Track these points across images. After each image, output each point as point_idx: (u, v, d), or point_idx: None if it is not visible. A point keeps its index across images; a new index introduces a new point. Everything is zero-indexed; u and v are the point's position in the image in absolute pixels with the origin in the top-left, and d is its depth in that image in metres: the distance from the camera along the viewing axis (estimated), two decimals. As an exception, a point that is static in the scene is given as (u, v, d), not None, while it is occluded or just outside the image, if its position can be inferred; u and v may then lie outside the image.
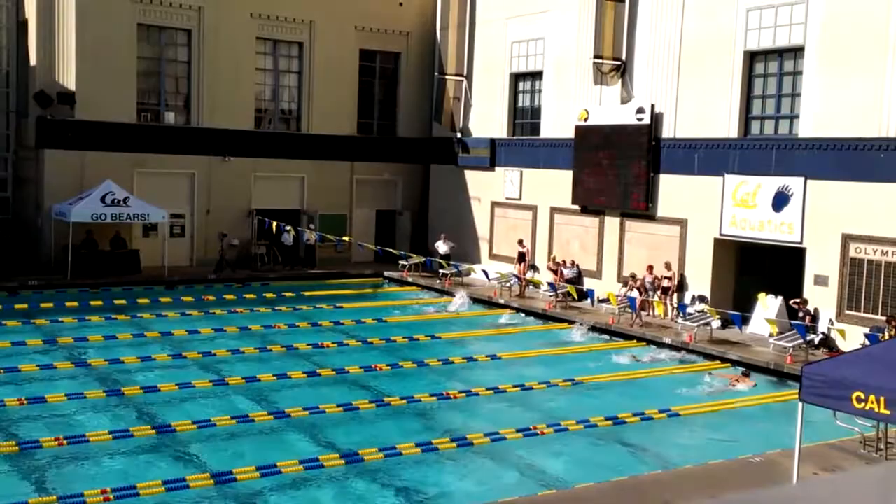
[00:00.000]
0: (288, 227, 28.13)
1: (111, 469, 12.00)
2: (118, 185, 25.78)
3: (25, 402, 14.34)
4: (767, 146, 21.00)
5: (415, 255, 27.74)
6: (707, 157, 22.32)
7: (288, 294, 25.09)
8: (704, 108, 22.39)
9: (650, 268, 23.00)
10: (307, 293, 25.38)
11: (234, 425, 13.71)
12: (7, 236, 27.12)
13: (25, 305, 22.03)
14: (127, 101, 27.17)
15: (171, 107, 28.59)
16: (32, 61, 26.53)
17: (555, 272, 24.94)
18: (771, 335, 19.33)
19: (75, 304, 22.40)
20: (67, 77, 26.31)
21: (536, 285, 25.38)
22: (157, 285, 25.61)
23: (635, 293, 22.52)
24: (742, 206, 21.32)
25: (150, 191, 27.06)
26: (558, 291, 24.05)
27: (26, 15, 26.91)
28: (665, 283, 22.68)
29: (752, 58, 21.69)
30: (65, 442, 12.54)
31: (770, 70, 21.49)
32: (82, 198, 25.41)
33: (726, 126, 21.93)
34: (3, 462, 12.00)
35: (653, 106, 23.49)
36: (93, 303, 22.67)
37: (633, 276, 23.14)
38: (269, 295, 24.94)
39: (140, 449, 12.75)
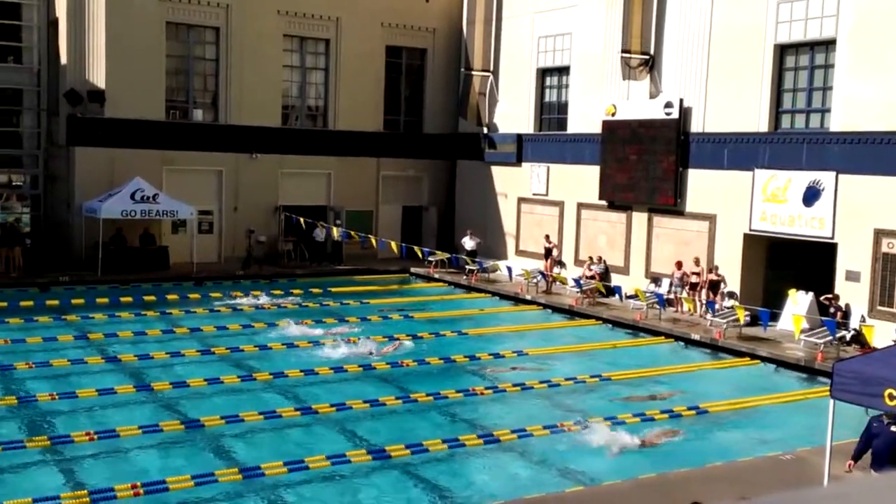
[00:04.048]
0: (320, 224, 28.35)
1: (141, 463, 12.11)
2: (147, 182, 26.01)
3: (57, 397, 14.52)
4: (798, 140, 20.73)
5: (438, 252, 27.70)
6: (736, 151, 22.08)
7: (315, 290, 25.18)
8: (734, 102, 22.14)
9: (679, 264, 22.81)
10: (334, 289, 25.45)
11: (262, 421, 13.78)
12: (39, 233, 27.46)
13: (57, 301, 22.30)
14: (156, 98, 27.41)
15: (199, 104, 28.78)
16: (63, 60, 26.82)
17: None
18: (803, 331, 19.07)
19: (106, 300, 22.62)
20: (97, 75, 26.58)
21: (563, 283, 25.25)
22: (186, 281, 25.81)
23: (662, 287, 22.30)
24: (772, 201, 21.07)
25: (178, 188, 27.28)
26: (584, 287, 23.93)
27: (57, 14, 27.21)
28: (693, 279, 22.48)
29: (782, 51, 21.41)
30: (95, 437, 12.66)
31: (801, 63, 21.20)
32: (112, 195, 25.67)
33: (756, 120, 21.68)
34: (34, 456, 12.16)
35: (681, 100, 23.28)
36: (123, 299, 22.89)
37: (697, 261, 22.57)
38: (296, 291, 25.05)
39: (169, 443, 12.86)
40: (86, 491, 10.78)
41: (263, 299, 23.61)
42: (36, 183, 28.09)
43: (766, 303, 21.00)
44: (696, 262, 22.52)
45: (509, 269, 26.08)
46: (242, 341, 19.06)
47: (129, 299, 22.90)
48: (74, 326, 20.14)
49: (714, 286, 21.83)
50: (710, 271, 22.31)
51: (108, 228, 25.67)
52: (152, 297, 23.29)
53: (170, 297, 23.53)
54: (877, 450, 9.86)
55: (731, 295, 21.82)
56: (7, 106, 27.90)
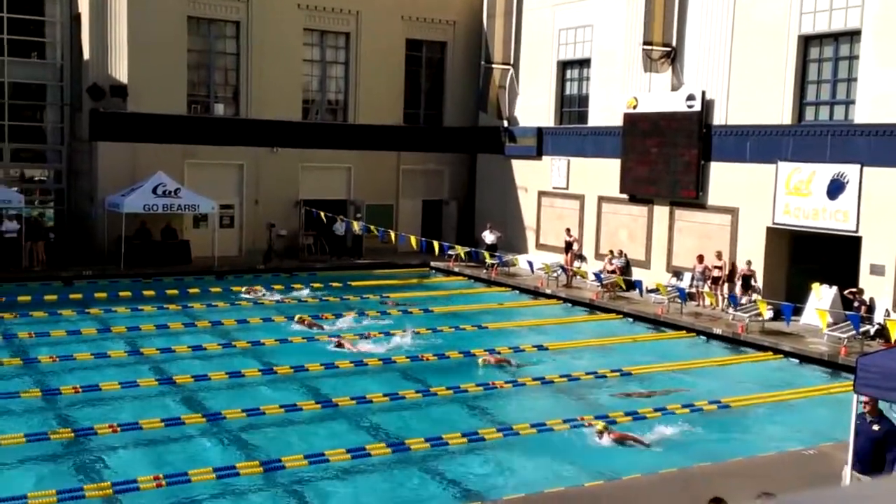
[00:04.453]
0: (339, 217, 28.45)
1: (163, 456, 12.20)
2: (169, 177, 26.17)
3: (80, 389, 14.65)
4: (822, 133, 20.50)
5: (458, 247, 27.68)
6: (759, 144, 21.88)
7: (335, 284, 25.23)
8: (757, 95, 21.94)
9: (700, 257, 22.66)
10: (354, 283, 25.49)
11: (283, 414, 13.84)
12: (62, 227, 27.72)
13: (80, 295, 22.48)
14: (177, 93, 27.55)
15: (220, 98, 28.91)
16: (86, 55, 27.02)
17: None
18: (828, 325, 18.88)
19: (128, 293, 22.79)
20: (119, 70, 26.75)
21: (583, 276, 25.16)
22: (207, 275, 25.97)
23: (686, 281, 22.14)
24: (796, 194, 20.87)
25: (200, 182, 27.43)
26: (604, 281, 23.82)
27: (79, 9, 27.41)
28: (716, 273, 22.33)
29: (806, 42, 21.18)
30: (118, 429, 12.78)
31: (825, 54, 20.96)
32: (135, 189, 25.85)
33: (780, 112, 21.47)
34: (58, 448, 12.28)
35: (703, 93, 23.09)
36: (145, 292, 23.04)
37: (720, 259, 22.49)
38: (316, 285, 25.12)
39: (191, 436, 12.95)
40: (109, 482, 10.89)
41: (277, 296, 23.50)
42: (59, 178, 28.34)
43: (790, 297, 20.82)
44: (718, 255, 22.35)
45: (530, 263, 26.01)
46: (263, 335, 19.12)
47: (152, 293, 23.05)
48: (97, 320, 20.32)
49: (746, 280, 21.60)
50: (733, 265, 22.15)
51: (130, 223, 25.86)
52: (174, 291, 23.43)
53: (191, 290, 23.67)
54: (859, 449, 9.48)
55: (754, 289, 21.64)
56: (31, 101, 28.17)
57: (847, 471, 9.47)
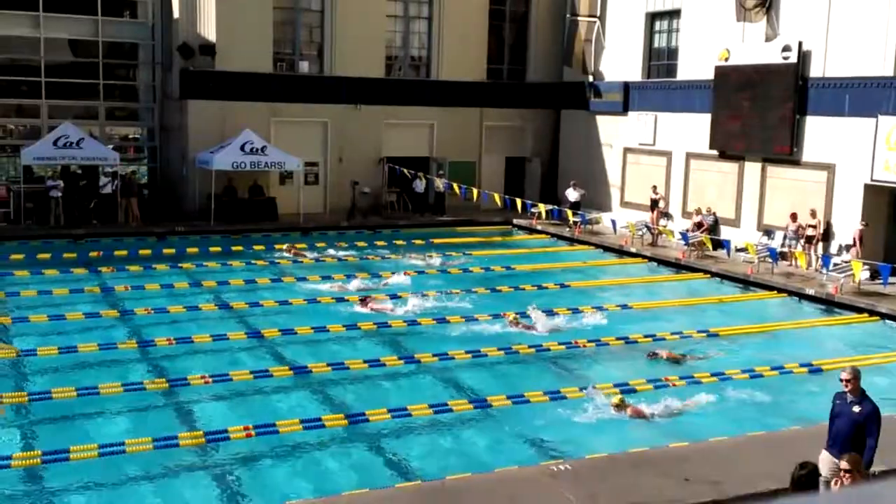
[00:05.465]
0: (419, 175, 28.48)
1: (252, 407, 12.56)
2: (256, 134, 26.59)
3: (174, 341, 15.16)
4: (928, 84, 19.43)
5: (540, 205, 27.37)
6: (859, 97, 20.88)
7: (418, 241, 25.36)
8: (858, 45, 20.89)
9: (794, 216, 21.92)
10: (436, 240, 25.56)
11: (367, 369, 14.05)
12: (155, 184, 28.56)
13: (173, 250, 23.16)
14: (263, 51, 27.86)
15: (304, 56, 29.11)
16: (175, 14, 27.52)
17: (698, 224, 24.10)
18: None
19: (218, 249, 23.37)
20: (208, 29, 27.18)
21: (669, 235, 24.61)
22: (293, 231, 26.42)
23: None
24: (897, 150, 19.89)
25: (285, 140, 27.80)
26: (690, 240, 23.27)
27: (169, -30, 27.86)
28: (809, 232, 21.57)
29: (913, -12, 20.01)
30: (210, 380, 13.19)
31: (934, 1, 19.77)
32: (223, 147, 26.38)
33: (881, 64, 20.41)
34: (154, 398, 12.77)
35: (800, 43, 22.10)
36: (234, 248, 23.61)
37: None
38: (399, 242, 25.29)
39: (278, 389, 13.28)
40: (201, 431, 11.28)
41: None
42: (152, 135, 29.14)
43: (889, 257, 19.98)
44: (813, 213, 21.57)
45: (613, 221, 25.62)
46: (346, 291, 19.36)
47: (240, 248, 23.60)
48: (189, 274, 20.93)
49: (809, 237, 20.84)
50: (828, 224, 21.32)
51: (220, 179, 26.45)
52: (261, 247, 23.93)
53: (278, 246, 24.10)
54: (838, 431, 8.88)
55: (849, 249, 20.84)
56: (124, 60, 28.93)
57: (824, 455, 8.97)
